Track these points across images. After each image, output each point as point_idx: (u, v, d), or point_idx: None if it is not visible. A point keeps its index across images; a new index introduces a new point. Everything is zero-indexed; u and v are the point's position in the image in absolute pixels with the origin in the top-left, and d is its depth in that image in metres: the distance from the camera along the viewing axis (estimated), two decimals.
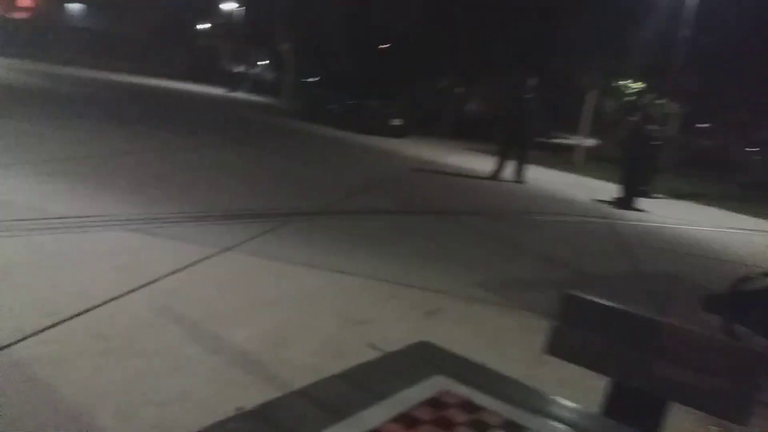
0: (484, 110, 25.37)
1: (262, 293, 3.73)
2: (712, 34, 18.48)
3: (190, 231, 4.81)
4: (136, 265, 3.83)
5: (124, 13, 35.72)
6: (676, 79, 16.11)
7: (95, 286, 3.36)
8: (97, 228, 4.49)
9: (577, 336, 1.55)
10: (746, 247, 8.27)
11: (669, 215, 10.25)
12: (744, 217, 11.70)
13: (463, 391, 1.06)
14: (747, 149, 25.26)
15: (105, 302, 3.17)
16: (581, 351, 1.54)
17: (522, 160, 11.40)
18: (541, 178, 12.58)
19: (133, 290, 3.39)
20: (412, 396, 1.01)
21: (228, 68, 36.22)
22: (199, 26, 40.13)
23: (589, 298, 1.55)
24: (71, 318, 2.94)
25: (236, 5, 34.98)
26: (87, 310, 3.04)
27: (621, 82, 22.54)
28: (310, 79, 22.21)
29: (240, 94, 29.25)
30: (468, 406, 1.00)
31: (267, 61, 36.40)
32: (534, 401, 1.10)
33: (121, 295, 3.29)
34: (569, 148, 20.09)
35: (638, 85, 21.76)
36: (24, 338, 2.66)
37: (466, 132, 23.29)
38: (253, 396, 2.05)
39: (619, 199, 10.46)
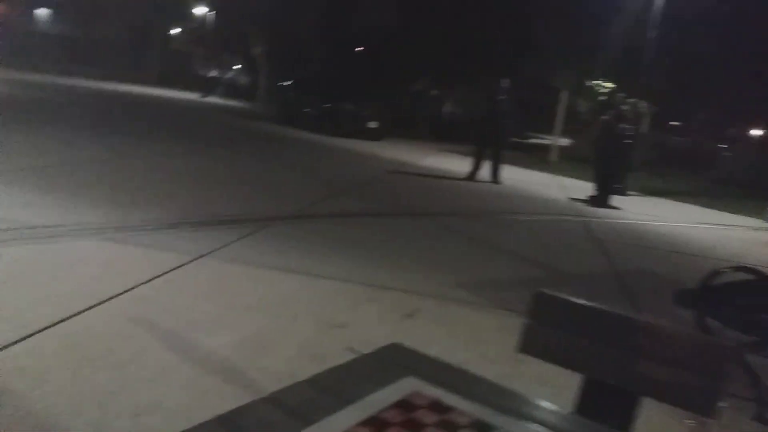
0: (460, 112, 25.50)
1: (239, 299, 3.70)
2: (682, 34, 18.84)
3: (165, 238, 4.76)
4: (109, 274, 3.77)
5: (94, 19, 35.23)
6: (647, 79, 16.37)
7: (68, 297, 3.30)
8: (69, 238, 4.41)
9: (548, 333, 1.56)
10: (718, 242, 8.42)
11: (643, 212, 10.41)
12: (715, 212, 11.92)
13: (434, 392, 1.06)
14: (718, 146, 25.77)
15: (79, 312, 3.12)
16: (552, 348, 1.55)
17: (497, 161, 11.49)
18: (517, 178, 12.69)
19: (107, 300, 3.33)
20: (381, 399, 1.01)
21: (201, 73, 35.90)
22: (172, 31, 39.75)
23: (559, 295, 1.57)
24: (44, 329, 2.88)
25: (208, 10, 34.74)
26: (60, 321, 2.99)
27: (593, 82, 22.87)
28: (285, 83, 22.09)
29: (214, 99, 29.02)
30: (437, 406, 1.00)
31: (240, 65, 36.17)
32: (505, 400, 1.11)
33: (95, 305, 3.24)
34: (544, 148, 20.30)
35: (610, 85, 22.08)
36: None
37: (442, 134, 23.41)
38: (230, 404, 2.01)
39: (593, 197, 10.59)
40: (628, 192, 12.43)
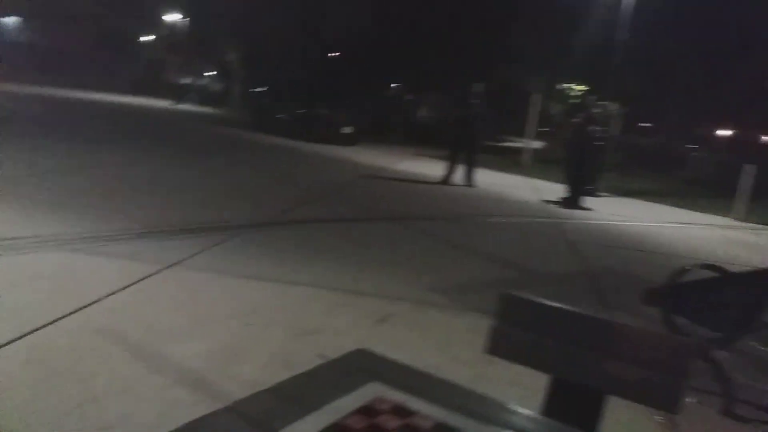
0: (433, 116, 25.65)
1: (209, 309, 3.65)
2: (651, 37, 19.20)
3: (135, 248, 4.69)
4: (76, 286, 3.70)
5: (64, 27, 34.67)
6: (617, 81, 16.64)
7: (33, 310, 3.23)
8: (35, 249, 4.32)
9: (514, 334, 1.57)
10: (687, 241, 8.57)
11: (614, 213, 10.56)
12: (685, 211, 12.15)
13: (397, 396, 1.05)
14: (687, 146, 26.29)
15: (44, 326, 3.05)
16: (519, 349, 1.56)
17: (471, 165, 11.58)
18: (491, 180, 12.79)
19: (73, 312, 3.27)
20: (344, 405, 1.00)
21: (174, 80, 35.58)
22: (143, 38, 39.31)
23: (524, 296, 1.58)
24: (8, 344, 2.81)
25: (180, 17, 34.44)
26: (24, 335, 2.92)
27: (565, 85, 23.17)
28: (259, 89, 22.01)
29: (187, 106, 28.76)
30: (401, 411, 0.99)
31: (214, 72, 35.92)
32: (470, 403, 1.11)
33: (61, 318, 3.17)
34: (517, 151, 20.50)
35: (581, 88, 22.40)
36: None
37: (416, 138, 23.51)
38: (200, 414, 2.00)
39: (565, 198, 10.72)
40: (600, 193, 12.62)
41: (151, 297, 3.72)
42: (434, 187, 11.21)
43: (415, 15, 23.37)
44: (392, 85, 26.42)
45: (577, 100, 22.19)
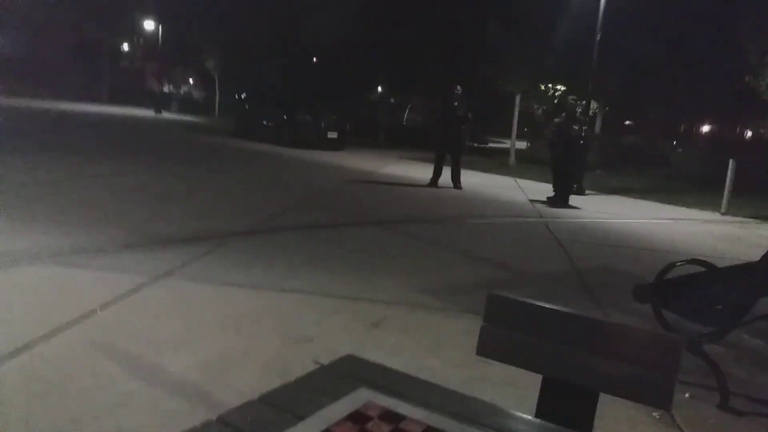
0: (418, 119, 25.72)
1: (201, 319, 3.64)
2: (631, 36, 19.38)
3: (123, 260, 4.66)
4: (66, 300, 3.67)
5: (40, 37, 34.32)
6: (598, 80, 16.76)
7: (23, 326, 3.20)
8: (22, 263, 4.28)
9: (503, 335, 1.59)
10: (674, 236, 8.65)
11: (600, 210, 10.64)
12: (670, 207, 12.25)
13: (387, 401, 1.06)
14: (671, 143, 26.57)
15: (35, 341, 3.03)
16: (509, 349, 1.58)
17: (457, 166, 11.62)
18: (477, 182, 12.84)
19: (65, 327, 3.25)
20: (334, 412, 1.01)
21: (154, 88, 35.36)
22: (120, 47, 39.03)
23: (511, 296, 1.60)
24: (1, 358, 2.80)
25: (159, 24, 34.21)
26: (16, 352, 2.90)
27: (548, 85, 23.32)
28: (242, 96, 21.95)
29: (168, 115, 28.59)
30: (390, 416, 1.00)
31: (195, 80, 35.76)
32: (459, 406, 1.12)
33: (53, 333, 3.15)
34: (503, 152, 20.59)
35: (562, 87, 22.56)
36: None
37: (402, 141, 23.56)
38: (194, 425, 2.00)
39: (552, 198, 10.79)
40: (586, 191, 12.72)
41: (143, 309, 3.70)
42: (421, 189, 11.24)
43: (398, 18, 23.44)
44: (378, 88, 26.44)
45: (558, 100, 22.39)
